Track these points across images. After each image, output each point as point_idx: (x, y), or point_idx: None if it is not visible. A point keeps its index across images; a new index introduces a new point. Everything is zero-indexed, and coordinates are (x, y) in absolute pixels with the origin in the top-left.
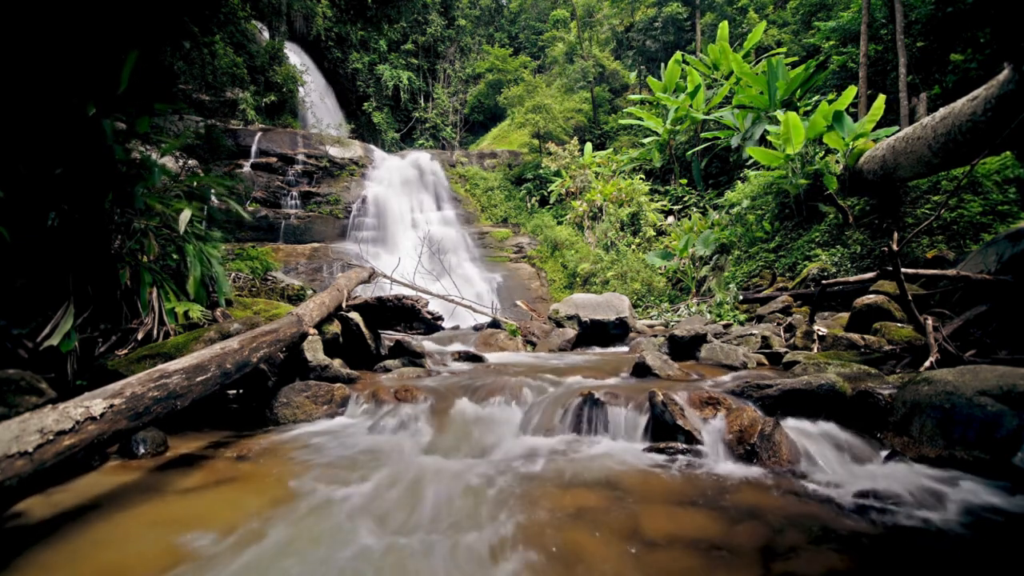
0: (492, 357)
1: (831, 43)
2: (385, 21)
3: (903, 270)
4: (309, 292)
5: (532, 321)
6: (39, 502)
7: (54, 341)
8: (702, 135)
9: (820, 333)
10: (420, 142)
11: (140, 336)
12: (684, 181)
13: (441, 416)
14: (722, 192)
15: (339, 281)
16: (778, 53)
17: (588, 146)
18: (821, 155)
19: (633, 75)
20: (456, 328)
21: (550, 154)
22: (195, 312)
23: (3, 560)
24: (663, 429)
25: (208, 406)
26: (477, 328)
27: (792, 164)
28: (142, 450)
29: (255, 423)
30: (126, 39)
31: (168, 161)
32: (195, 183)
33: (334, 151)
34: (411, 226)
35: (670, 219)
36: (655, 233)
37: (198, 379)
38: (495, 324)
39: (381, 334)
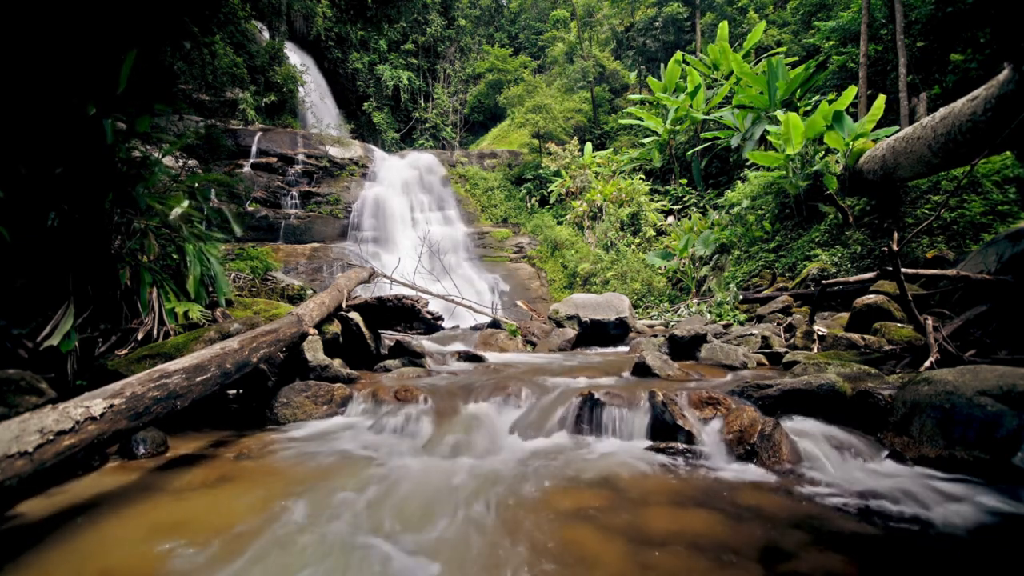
0: (492, 357)
1: (831, 43)
2: (385, 21)
3: (903, 270)
4: (309, 292)
5: (532, 321)
6: (39, 502)
7: (54, 341)
8: (702, 135)
9: (820, 333)
10: (420, 142)
11: (140, 336)
12: (684, 181)
13: (441, 416)
14: (722, 192)
15: (339, 281)
16: (778, 53)
17: (588, 146)
18: (821, 155)
19: (633, 75)
20: (456, 328)
21: (550, 154)
22: (195, 312)
23: (3, 560)
24: (663, 429)
25: (208, 406)
26: (477, 328)
27: (792, 164)
28: (142, 450)
29: (255, 423)
30: (126, 39)
31: (168, 161)
32: (195, 183)
33: (334, 151)
34: (411, 226)
35: (670, 219)
36: (655, 233)
37: (198, 379)
38: (495, 324)
39: (381, 334)
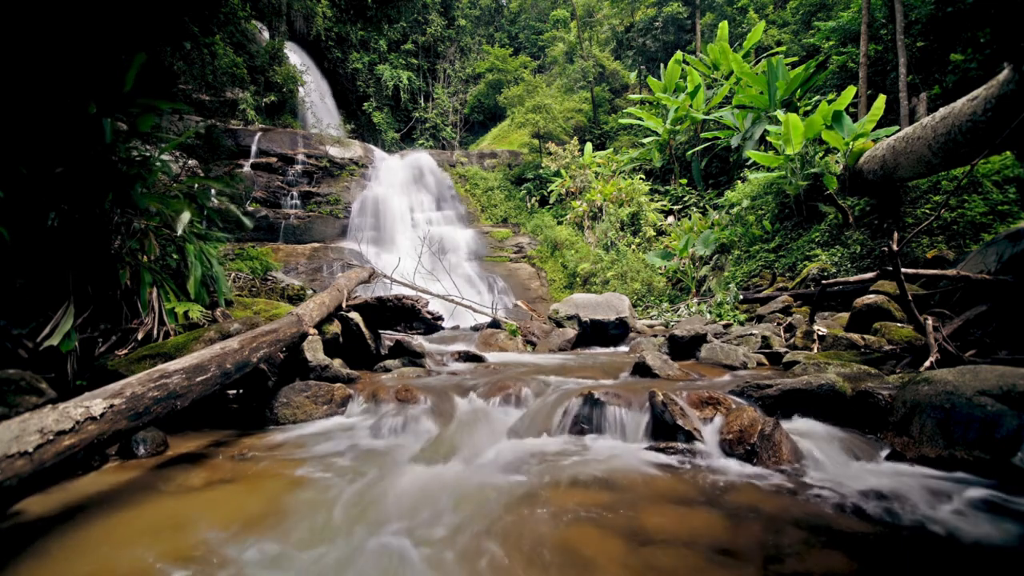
0: (492, 357)
1: (831, 43)
2: (385, 21)
3: (903, 270)
4: (309, 292)
5: (532, 321)
6: (39, 502)
7: (54, 341)
8: (702, 135)
9: (820, 333)
10: (420, 142)
11: (140, 336)
12: (684, 181)
13: (441, 416)
14: (722, 192)
15: (339, 281)
16: (778, 53)
17: (588, 146)
18: (821, 155)
19: (633, 75)
20: (456, 328)
21: (550, 154)
22: (195, 312)
23: (3, 560)
24: (663, 429)
25: (208, 406)
26: (477, 328)
27: (792, 164)
28: (142, 450)
29: (255, 423)
30: (126, 39)
31: (167, 159)
32: (196, 184)
33: (334, 151)
34: (411, 226)
35: (670, 219)
36: (655, 233)
37: (198, 379)
38: (495, 324)
39: (381, 334)
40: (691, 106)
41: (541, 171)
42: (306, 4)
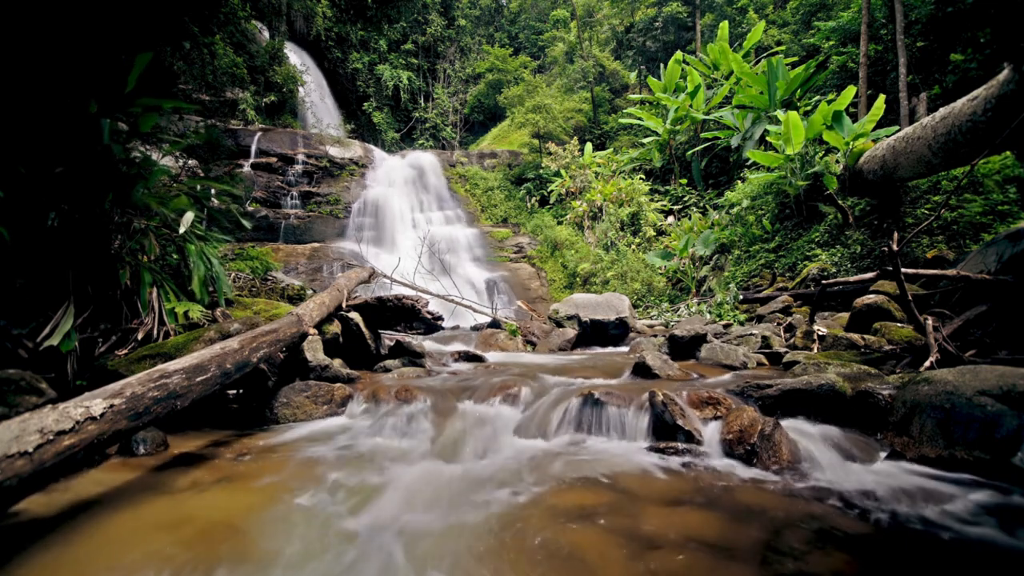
0: (492, 357)
1: (831, 43)
2: (385, 21)
3: (903, 270)
4: (309, 292)
5: (532, 321)
6: (39, 501)
7: (54, 341)
8: (702, 135)
9: (820, 333)
10: (420, 142)
11: (140, 336)
12: (684, 181)
13: (441, 416)
14: (722, 192)
15: (339, 281)
16: (778, 53)
17: (588, 146)
18: (821, 155)
19: (633, 75)
20: (456, 328)
21: (550, 154)
22: (195, 312)
23: (3, 559)
24: (664, 429)
25: (208, 406)
26: (477, 328)
27: (792, 164)
28: (142, 449)
29: (255, 423)
30: (127, 39)
31: (168, 161)
32: (197, 186)
33: (334, 151)
34: (411, 226)
35: (670, 219)
36: (655, 233)
37: (198, 379)
38: (495, 324)
39: (381, 334)
40: (691, 106)
41: (541, 171)
42: (306, 4)
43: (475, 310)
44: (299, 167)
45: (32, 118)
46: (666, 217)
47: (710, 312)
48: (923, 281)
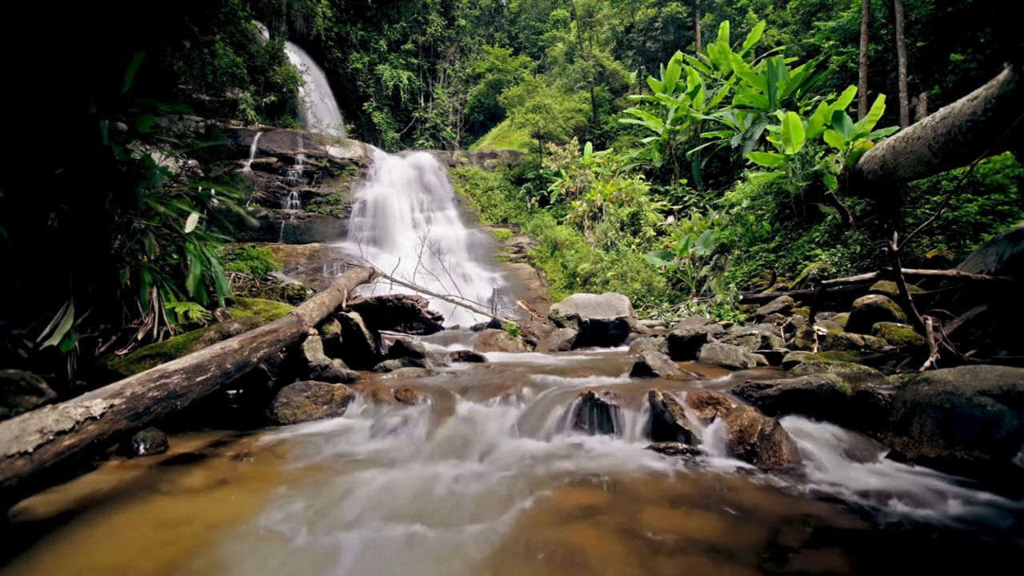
0: (492, 357)
1: (831, 43)
2: (385, 21)
3: (903, 270)
4: (309, 292)
5: (532, 321)
6: (39, 501)
7: (54, 341)
8: (702, 135)
9: (820, 333)
10: (420, 142)
11: (140, 336)
12: (684, 181)
13: (441, 416)
14: (722, 192)
15: (339, 281)
16: (778, 53)
17: (588, 146)
18: (821, 155)
19: (633, 75)
20: (456, 328)
21: (550, 154)
22: (195, 312)
23: (3, 559)
24: (663, 429)
25: (208, 406)
26: (477, 328)
27: (792, 164)
28: (142, 450)
29: (255, 423)
30: (127, 39)
31: (168, 161)
32: (199, 187)
33: (334, 151)
34: (411, 226)
35: (670, 219)
36: (655, 233)
37: (198, 379)
38: (495, 324)
39: (381, 334)
40: (691, 106)
41: (541, 171)
42: (306, 4)
43: (475, 310)
44: (299, 167)
45: (32, 119)
46: (666, 217)
47: (710, 312)
48: (923, 281)
